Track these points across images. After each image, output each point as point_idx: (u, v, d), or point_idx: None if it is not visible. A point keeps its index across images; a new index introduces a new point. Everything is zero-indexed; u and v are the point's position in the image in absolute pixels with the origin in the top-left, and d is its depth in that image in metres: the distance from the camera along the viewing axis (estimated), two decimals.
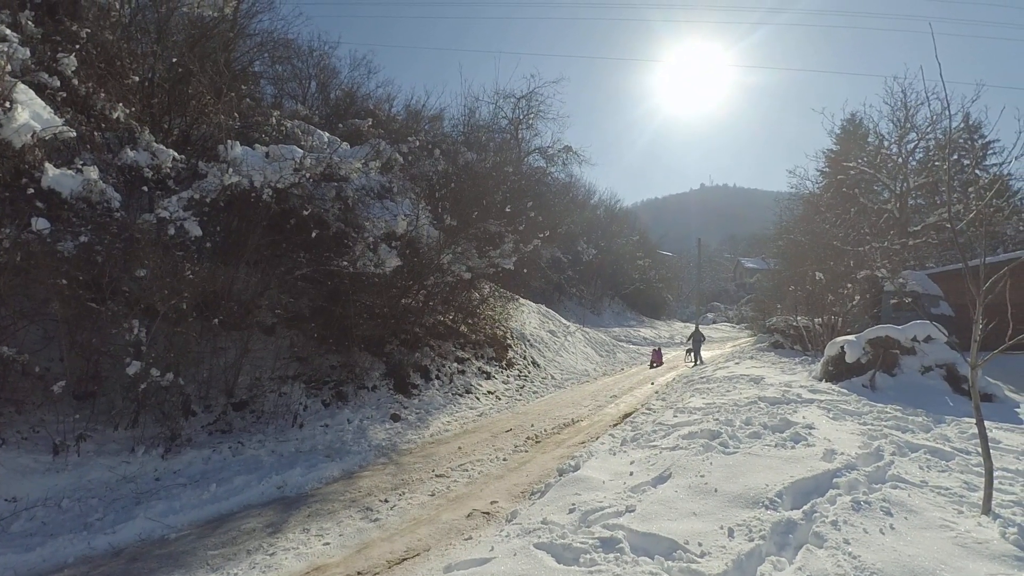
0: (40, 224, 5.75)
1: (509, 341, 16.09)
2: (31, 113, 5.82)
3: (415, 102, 25.96)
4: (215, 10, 11.36)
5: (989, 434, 4.43)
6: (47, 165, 6.01)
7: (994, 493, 4.01)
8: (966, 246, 15.52)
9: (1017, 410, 8.39)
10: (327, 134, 11.43)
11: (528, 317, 19.61)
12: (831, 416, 7.31)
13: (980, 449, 4.10)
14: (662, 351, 20.89)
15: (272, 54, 16.06)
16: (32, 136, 5.75)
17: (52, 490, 5.31)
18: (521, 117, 31.86)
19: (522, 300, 20.30)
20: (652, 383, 14.88)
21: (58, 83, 6.85)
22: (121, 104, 7.62)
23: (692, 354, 19.97)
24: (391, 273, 9.92)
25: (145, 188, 7.66)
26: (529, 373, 14.76)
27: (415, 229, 11.33)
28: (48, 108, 6.17)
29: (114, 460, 6.04)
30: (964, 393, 8.83)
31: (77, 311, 6.37)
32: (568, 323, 23.00)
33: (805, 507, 4.10)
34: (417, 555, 4.44)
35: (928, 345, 10.08)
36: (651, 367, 19.23)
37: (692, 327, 21.87)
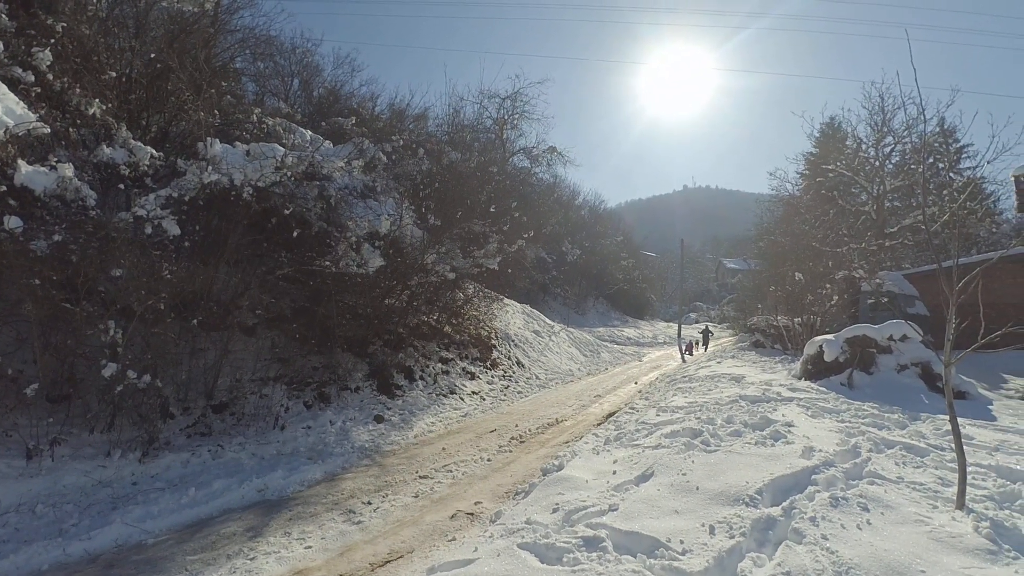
0: (13, 223, 5.60)
1: (493, 341, 16.07)
2: (3, 108, 5.67)
3: (399, 101, 25.95)
4: (195, 5, 11.18)
5: (962, 430, 4.54)
6: (20, 162, 5.85)
7: (967, 488, 4.10)
8: (941, 247, 15.89)
9: (990, 407, 8.60)
10: (309, 132, 11.32)
11: (513, 317, 19.61)
12: (810, 414, 7.43)
13: (954, 445, 4.19)
14: (693, 344, 26.08)
15: (254, 51, 15.88)
16: (4, 132, 5.59)
17: (26, 496, 5.18)
18: (506, 117, 31.85)
19: (507, 300, 20.29)
20: (636, 382, 14.98)
21: (32, 78, 6.68)
22: (97, 100, 7.46)
23: (703, 344, 26.78)
24: (374, 273, 9.84)
25: (122, 186, 7.50)
26: (513, 373, 14.76)
27: (398, 229, 11.26)
28: (22, 103, 6.01)
29: (90, 464, 5.91)
30: (939, 391, 9.03)
31: (51, 312, 6.21)
32: (553, 323, 23.06)
33: (784, 504, 4.17)
34: (400, 557, 4.41)
35: (904, 344, 10.30)
36: (686, 354, 24.08)
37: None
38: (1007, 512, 3.98)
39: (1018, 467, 5.01)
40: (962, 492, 4.01)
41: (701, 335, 27.88)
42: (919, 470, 5.00)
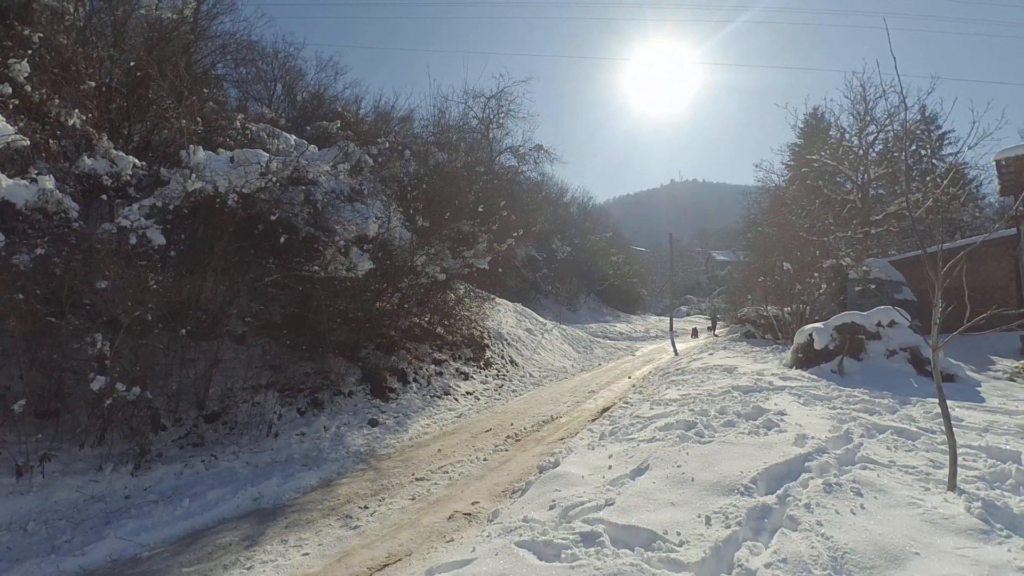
0: None
1: (486, 341, 16.06)
2: None
3: (384, 103, 25.81)
4: (174, 12, 11.07)
5: (952, 413, 4.59)
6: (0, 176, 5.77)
7: (958, 469, 4.15)
8: (925, 233, 16.07)
9: (978, 389, 8.70)
10: (294, 137, 11.23)
11: (505, 316, 19.60)
12: (802, 402, 7.49)
13: (944, 428, 4.24)
14: (698, 330, 31.69)
15: (235, 56, 15.71)
16: None
17: (16, 513, 5.11)
18: (492, 116, 31.74)
19: (498, 299, 20.26)
20: (629, 377, 15.03)
21: (10, 90, 6.57)
22: (77, 110, 7.35)
23: (712, 329, 30.95)
24: (364, 276, 9.79)
25: (104, 197, 7.40)
26: (507, 372, 14.76)
27: (387, 231, 11.22)
28: None
29: (81, 479, 5.84)
30: (928, 375, 9.13)
31: (36, 326, 6.11)
32: (545, 321, 23.07)
33: (779, 492, 4.19)
34: (399, 560, 4.40)
35: (892, 330, 10.40)
36: (692, 338, 29.50)
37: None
38: (998, 492, 4.03)
39: (1007, 447, 5.08)
40: (953, 474, 4.06)
41: (710, 321, 33.54)
42: (911, 453, 5.05)
